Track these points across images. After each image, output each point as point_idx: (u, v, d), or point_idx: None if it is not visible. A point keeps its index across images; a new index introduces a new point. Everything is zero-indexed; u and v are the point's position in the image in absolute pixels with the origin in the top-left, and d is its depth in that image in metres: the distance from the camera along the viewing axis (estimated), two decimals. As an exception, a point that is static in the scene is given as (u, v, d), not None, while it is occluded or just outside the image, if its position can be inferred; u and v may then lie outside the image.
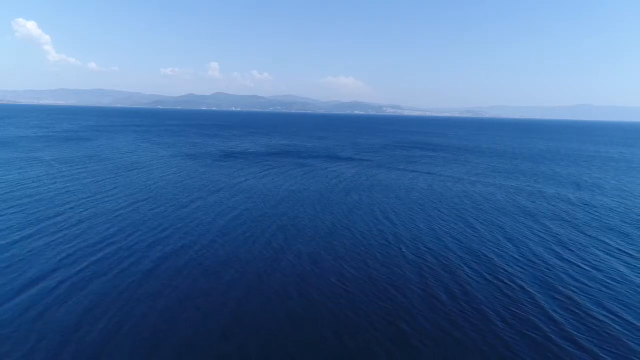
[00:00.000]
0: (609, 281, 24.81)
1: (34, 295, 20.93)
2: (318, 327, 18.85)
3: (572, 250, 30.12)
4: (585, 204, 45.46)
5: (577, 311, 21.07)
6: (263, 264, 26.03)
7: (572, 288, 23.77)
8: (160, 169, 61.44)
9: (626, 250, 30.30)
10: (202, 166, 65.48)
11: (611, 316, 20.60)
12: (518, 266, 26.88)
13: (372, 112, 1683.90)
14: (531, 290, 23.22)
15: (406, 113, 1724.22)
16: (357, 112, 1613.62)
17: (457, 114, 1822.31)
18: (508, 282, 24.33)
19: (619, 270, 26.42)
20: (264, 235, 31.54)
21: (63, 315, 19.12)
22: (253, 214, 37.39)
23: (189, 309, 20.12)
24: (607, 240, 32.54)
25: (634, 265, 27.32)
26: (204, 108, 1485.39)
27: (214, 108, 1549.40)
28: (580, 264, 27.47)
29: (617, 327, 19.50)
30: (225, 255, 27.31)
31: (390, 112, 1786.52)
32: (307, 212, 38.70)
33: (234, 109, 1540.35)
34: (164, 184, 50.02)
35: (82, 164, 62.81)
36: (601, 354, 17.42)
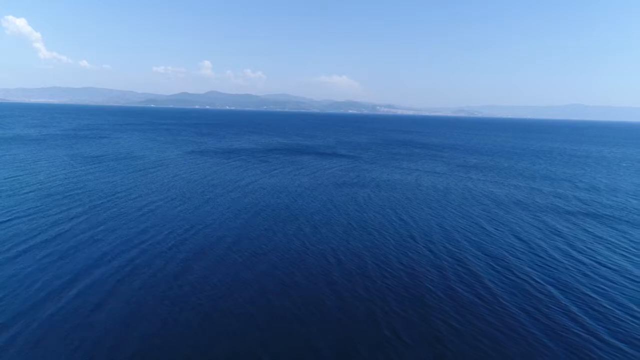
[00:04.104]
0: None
1: (83, 291, 21.71)
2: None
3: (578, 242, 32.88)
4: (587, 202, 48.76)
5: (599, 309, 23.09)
6: (290, 260, 27.36)
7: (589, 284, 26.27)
8: (175, 167, 63.62)
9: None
10: (214, 164, 67.69)
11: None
12: (534, 263, 29.48)
13: (365, 111, 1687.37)
14: (547, 285, 25.71)
15: (400, 112, 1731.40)
16: (350, 111, 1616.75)
17: (450, 114, 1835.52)
18: (532, 280, 26.79)
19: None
20: (287, 231, 33.44)
21: (118, 310, 19.97)
22: (272, 210, 39.61)
23: (238, 301, 21.59)
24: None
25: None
26: (197, 107, 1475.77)
27: (207, 107, 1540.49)
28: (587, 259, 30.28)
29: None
30: (254, 250, 28.94)
31: (383, 111, 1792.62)
32: (321, 208, 41.09)
33: (227, 107, 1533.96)
34: (183, 181, 52.14)
35: (103, 163, 64.51)
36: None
